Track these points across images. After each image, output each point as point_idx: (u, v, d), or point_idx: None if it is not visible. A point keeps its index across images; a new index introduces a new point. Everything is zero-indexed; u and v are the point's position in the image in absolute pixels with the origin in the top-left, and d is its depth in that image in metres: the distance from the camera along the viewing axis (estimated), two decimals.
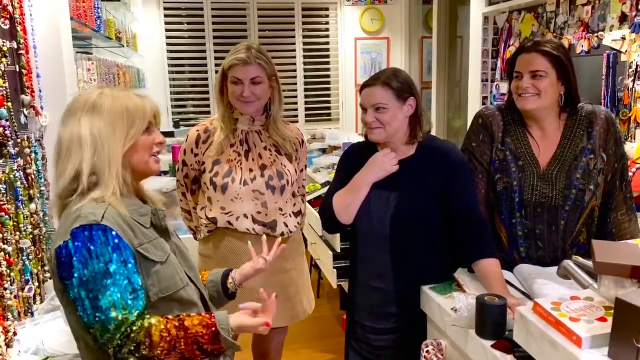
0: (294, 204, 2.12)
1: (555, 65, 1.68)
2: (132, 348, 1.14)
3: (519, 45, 1.86)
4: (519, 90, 1.72)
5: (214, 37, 5.64)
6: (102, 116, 1.23)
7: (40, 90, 2.10)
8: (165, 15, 5.54)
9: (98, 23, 3.15)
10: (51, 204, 1.28)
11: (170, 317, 1.21)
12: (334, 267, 2.92)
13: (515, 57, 1.77)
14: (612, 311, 1.09)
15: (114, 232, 1.17)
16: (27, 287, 1.80)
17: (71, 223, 1.17)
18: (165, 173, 3.85)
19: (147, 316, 1.17)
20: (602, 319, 1.16)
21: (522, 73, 1.72)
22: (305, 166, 2.23)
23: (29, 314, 1.80)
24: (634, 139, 2.61)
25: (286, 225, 2.05)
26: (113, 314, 1.13)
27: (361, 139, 1.90)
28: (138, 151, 1.27)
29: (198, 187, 2.11)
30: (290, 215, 2.08)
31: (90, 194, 1.21)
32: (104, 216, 1.17)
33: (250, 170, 2.00)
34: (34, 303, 1.85)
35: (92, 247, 1.15)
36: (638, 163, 2.40)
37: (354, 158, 1.82)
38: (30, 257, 1.84)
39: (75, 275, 1.14)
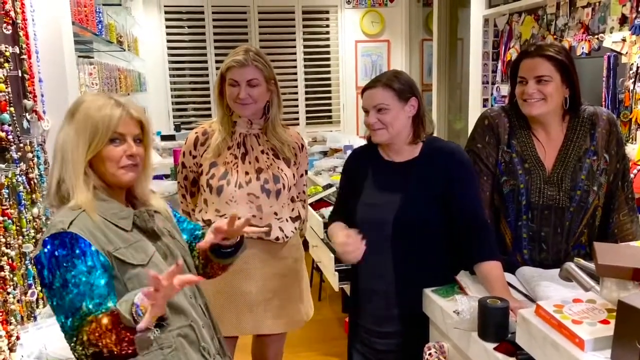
0: (292, 209, 2.09)
1: (559, 69, 1.68)
2: (88, 353, 1.09)
3: (522, 50, 1.85)
4: (525, 95, 1.71)
5: (215, 41, 5.65)
6: (73, 125, 1.25)
7: (42, 95, 2.11)
8: (166, 19, 5.55)
9: (99, 27, 3.16)
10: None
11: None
12: (335, 270, 2.91)
13: (518, 62, 1.76)
14: (614, 313, 1.09)
15: (80, 240, 1.17)
16: (30, 292, 1.80)
17: (46, 233, 1.19)
18: (167, 177, 3.85)
19: (88, 318, 1.11)
20: (604, 322, 1.16)
21: (526, 78, 1.71)
22: (306, 171, 2.19)
23: (31, 319, 1.80)
24: (635, 140, 2.61)
25: (282, 230, 2.01)
26: (69, 322, 1.12)
27: (362, 141, 1.90)
28: (104, 162, 1.26)
29: (197, 190, 2.11)
30: (287, 221, 2.04)
31: (69, 202, 1.23)
32: (72, 223, 1.17)
33: (246, 173, 1.98)
34: (37, 307, 1.85)
35: (58, 256, 1.15)
36: (639, 165, 2.41)
37: (353, 165, 1.85)
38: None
39: (48, 284, 1.15)
